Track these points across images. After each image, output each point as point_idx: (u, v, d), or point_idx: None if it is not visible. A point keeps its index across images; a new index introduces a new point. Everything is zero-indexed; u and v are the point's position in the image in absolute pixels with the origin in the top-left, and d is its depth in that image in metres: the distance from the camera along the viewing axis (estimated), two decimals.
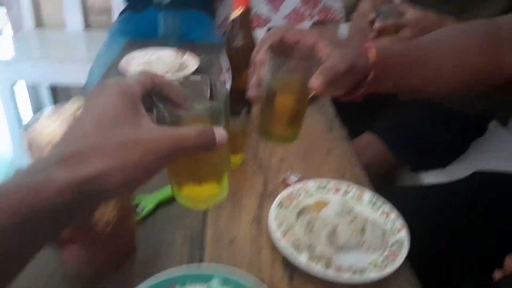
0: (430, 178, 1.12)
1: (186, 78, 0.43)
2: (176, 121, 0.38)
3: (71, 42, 1.96)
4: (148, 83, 0.35)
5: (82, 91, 2.21)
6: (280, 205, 0.62)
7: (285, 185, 0.70)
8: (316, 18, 2.11)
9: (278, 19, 2.08)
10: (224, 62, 0.87)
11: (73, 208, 0.28)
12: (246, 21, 0.82)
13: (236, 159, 0.75)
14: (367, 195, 0.66)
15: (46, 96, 2.22)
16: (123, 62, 1.12)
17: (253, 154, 0.78)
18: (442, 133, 1.08)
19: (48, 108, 0.65)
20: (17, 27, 2.03)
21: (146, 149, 0.30)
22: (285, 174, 0.73)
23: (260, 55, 0.55)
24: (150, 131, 0.31)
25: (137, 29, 1.57)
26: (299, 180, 0.70)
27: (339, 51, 0.51)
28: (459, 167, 1.12)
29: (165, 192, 0.64)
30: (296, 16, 2.08)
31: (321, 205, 0.65)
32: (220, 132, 0.34)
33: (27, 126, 0.64)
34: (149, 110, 0.36)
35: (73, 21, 2.01)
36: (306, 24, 2.11)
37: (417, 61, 0.58)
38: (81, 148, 0.29)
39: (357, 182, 0.71)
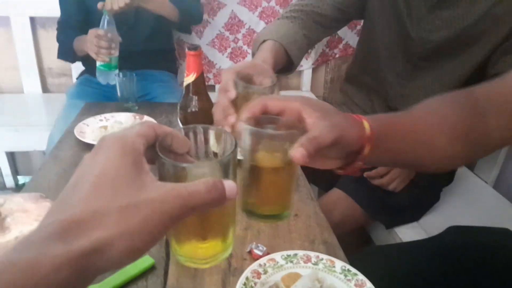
0: (406, 232, 1.10)
1: (192, 127, 0.40)
2: (180, 175, 0.34)
3: (29, 106, 1.90)
4: (150, 134, 0.33)
5: (42, 157, 2.14)
6: (246, 284, 0.57)
7: (253, 256, 0.65)
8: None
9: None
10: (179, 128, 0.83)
11: (70, 284, 0.25)
12: (200, 86, 0.80)
13: None
14: (339, 264, 0.61)
15: (3, 161, 2.12)
16: (78, 128, 1.07)
17: None
18: (411, 187, 1.07)
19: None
20: None
21: (151, 212, 0.27)
22: (250, 244, 0.68)
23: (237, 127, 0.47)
24: (154, 191, 0.28)
25: (95, 92, 1.54)
26: (266, 252, 0.65)
27: (325, 121, 0.45)
28: (432, 219, 1.11)
29: (114, 280, 0.57)
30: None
31: (291, 279, 0.60)
32: (229, 185, 0.31)
33: None
34: (151, 161, 0.33)
35: (30, 85, 1.96)
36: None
37: (410, 131, 0.53)
38: (79, 215, 0.26)
39: (329, 247, 0.67)
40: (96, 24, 1.41)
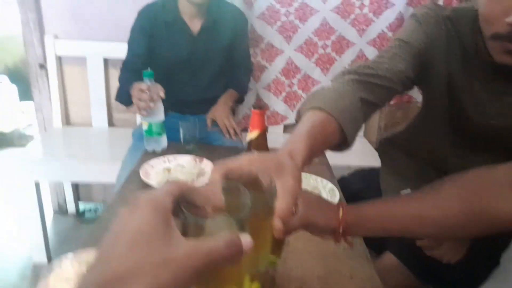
0: None
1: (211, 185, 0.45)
2: (201, 228, 0.39)
3: (96, 139, 2.05)
4: (176, 191, 0.37)
5: (102, 186, 2.28)
6: None
7: None
8: None
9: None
10: None
11: None
12: (262, 142, 0.84)
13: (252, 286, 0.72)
14: None
15: (68, 192, 2.27)
16: (144, 169, 1.14)
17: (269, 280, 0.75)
18: (466, 254, 1.02)
19: (66, 257, 0.66)
20: (45, 126, 2.15)
21: (179, 267, 0.31)
22: None
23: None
24: (181, 247, 0.32)
25: None
26: None
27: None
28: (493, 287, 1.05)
29: None
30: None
31: None
32: (246, 240, 0.35)
33: (47, 272, 0.64)
34: (175, 214, 0.37)
35: (98, 119, 2.12)
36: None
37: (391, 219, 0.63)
38: (118, 271, 0.29)
39: None
40: (159, 70, 1.55)
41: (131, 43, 1.64)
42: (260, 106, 0.81)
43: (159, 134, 1.32)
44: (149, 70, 1.30)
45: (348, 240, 0.63)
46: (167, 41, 1.61)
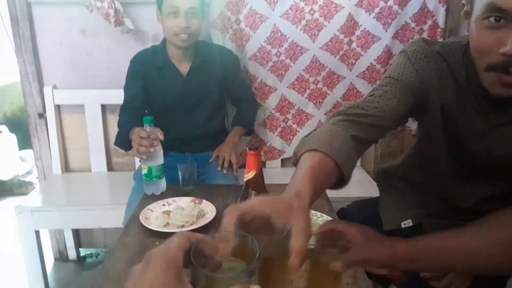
0: None
1: (219, 233, 0.47)
2: (211, 282, 0.40)
3: (95, 184, 2.06)
4: (186, 244, 0.38)
5: (102, 231, 2.27)
6: None
7: None
8: None
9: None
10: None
11: None
12: (259, 181, 0.86)
13: None
14: None
15: (68, 238, 2.26)
16: (143, 214, 1.15)
17: None
18: (472, 283, 1.02)
19: None
20: (44, 173, 2.16)
21: None
22: None
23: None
24: None
25: None
26: None
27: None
28: None
29: None
30: None
31: None
32: None
33: None
34: (186, 265, 0.38)
35: (97, 165, 2.14)
36: None
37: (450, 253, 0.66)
38: None
39: None
40: (155, 110, 1.59)
41: (127, 88, 1.71)
42: (256, 147, 0.84)
43: (159, 177, 1.33)
44: (148, 115, 1.33)
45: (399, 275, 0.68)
46: (159, 83, 1.68)
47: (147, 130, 1.31)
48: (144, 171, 1.32)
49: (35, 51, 1.99)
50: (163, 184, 1.35)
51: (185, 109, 1.69)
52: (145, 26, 1.99)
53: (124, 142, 1.51)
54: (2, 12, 3.50)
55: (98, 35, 2.00)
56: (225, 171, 1.66)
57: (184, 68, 1.69)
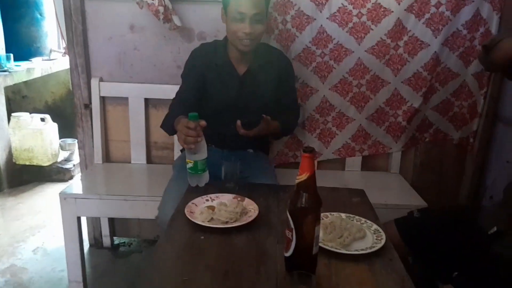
0: None
1: None
2: None
3: (134, 176, 2.12)
4: None
5: (141, 228, 2.33)
6: None
7: None
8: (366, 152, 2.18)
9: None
10: (288, 221, 0.89)
11: None
12: (311, 184, 0.86)
13: None
14: None
15: (104, 226, 2.33)
16: (188, 208, 1.18)
17: None
18: None
19: None
20: (86, 163, 2.23)
21: None
22: None
23: None
24: None
25: None
26: None
27: None
28: None
29: None
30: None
31: None
32: None
33: None
34: None
35: (137, 157, 2.19)
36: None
37: None
38: None
39: None
40: (208, 107, 1.62)
41: (185, 76, 1.73)
42: (310, 149, 0.84)
43: (203, 170, 1.38)
44: (194, 113, 1.34)
45: None
46: (216, 80, 1.70)
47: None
48: (190, 165, 1.35)
49: (85, 44, 2.06)
50: (206, 176, 1.40)
51: (235, 108, 1.70)
52: (192, 24, 2.02)
53: (169, 126, 1.54)
54: (57, 5, 3.66)
55: (145, 31, 2.04)
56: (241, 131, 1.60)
57: (241, 68, 1.70)
